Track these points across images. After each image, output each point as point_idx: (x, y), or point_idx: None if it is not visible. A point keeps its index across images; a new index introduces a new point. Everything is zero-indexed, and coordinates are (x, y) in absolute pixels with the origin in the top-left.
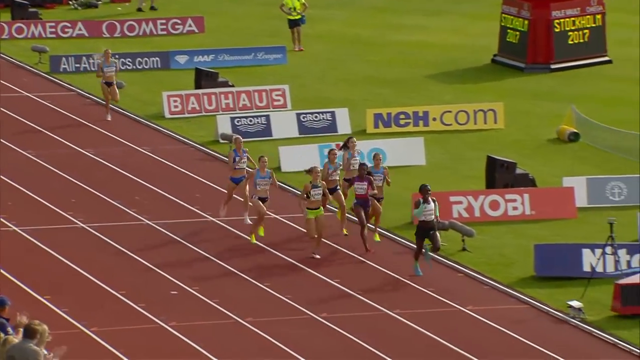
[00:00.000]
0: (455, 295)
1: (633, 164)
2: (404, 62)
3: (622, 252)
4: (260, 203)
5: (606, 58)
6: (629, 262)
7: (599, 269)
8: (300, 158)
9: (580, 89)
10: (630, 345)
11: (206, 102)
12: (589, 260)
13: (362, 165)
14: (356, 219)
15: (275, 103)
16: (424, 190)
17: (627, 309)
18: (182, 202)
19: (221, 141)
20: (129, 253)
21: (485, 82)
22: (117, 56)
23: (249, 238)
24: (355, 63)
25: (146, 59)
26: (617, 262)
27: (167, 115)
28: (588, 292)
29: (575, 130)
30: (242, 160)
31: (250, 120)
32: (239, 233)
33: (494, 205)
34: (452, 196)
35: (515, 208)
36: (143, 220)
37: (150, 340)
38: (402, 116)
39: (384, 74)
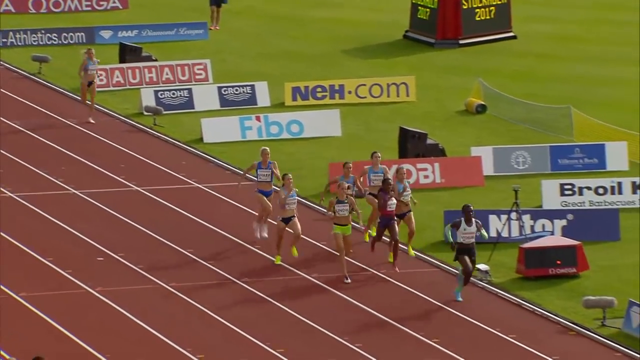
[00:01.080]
0: (370, 260)
1: (537, 134)
2: (320, 38)
3: (526, 218)
4: (284, 225)
5: (511, 34)
6: (532, 227)
7: (505, 233)
8: (222, 130)
9: (487, 64)
10: (533, 306)
11: (130, 76)
12: (495, 225)
13: (386, 180)
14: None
15: (197, 77)
16: (466, 210)
17: (530, 271)
18: (107, 172)
19: (145, 113)
20: (56, 221)
21: (397, 57)
22: (42, 32)
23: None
24: (274, 38)
25: (72, 34)
26: (521, 227)
27: None
28: (494, 255)
29: (483, 103)
30: (266, 173)
31: (173, 94)
32: (163, 201)
33: (407, 173)
34: (367, 165)
35: (426, 176)
36: (70, 190)
37: (77, 305)
38: (319, 89)
39: (302, 49)
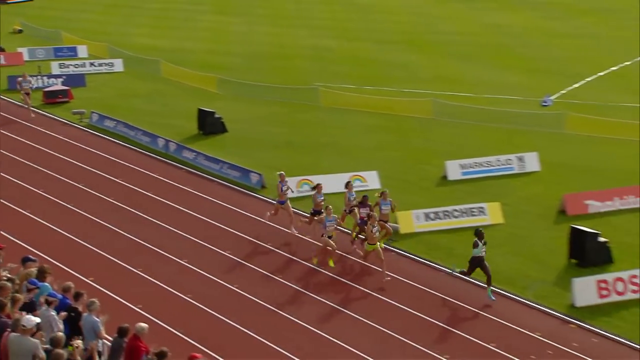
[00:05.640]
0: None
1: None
2: None
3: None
4: (328, 240)
5: None
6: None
7: (40, 85)
8: None
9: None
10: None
11: None
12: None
13: (365, 196)
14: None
15: None
16: (480, 234)
17: (47, 101)
18: None
19: None
20: None
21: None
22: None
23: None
24: None
25: None
26: (41, 79)
27: None
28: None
29: (21, 28)
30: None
31: None
32: None
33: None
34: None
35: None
36: None
37: None
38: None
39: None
